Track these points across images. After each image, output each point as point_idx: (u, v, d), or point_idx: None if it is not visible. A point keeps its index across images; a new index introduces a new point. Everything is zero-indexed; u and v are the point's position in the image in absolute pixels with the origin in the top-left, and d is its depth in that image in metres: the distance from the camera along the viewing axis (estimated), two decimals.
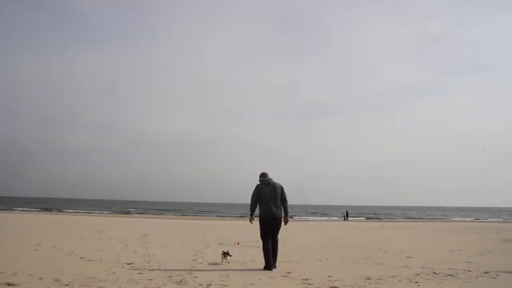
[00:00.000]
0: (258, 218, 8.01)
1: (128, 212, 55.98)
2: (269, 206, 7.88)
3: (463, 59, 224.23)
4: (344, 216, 44.53)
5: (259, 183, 8.11)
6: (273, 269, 7.89)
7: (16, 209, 50.50)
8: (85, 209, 59.41)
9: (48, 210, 53.92)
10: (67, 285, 6.30)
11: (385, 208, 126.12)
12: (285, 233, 19.52)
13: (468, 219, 53.39)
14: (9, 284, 6.21)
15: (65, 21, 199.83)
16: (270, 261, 7.89)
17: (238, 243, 12.93)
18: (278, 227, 8.04)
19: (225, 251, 8.81)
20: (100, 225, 22.47)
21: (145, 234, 16.26)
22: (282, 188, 8.10)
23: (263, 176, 8.14)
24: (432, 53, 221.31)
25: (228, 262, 8.66)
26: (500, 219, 51.75)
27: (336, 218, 49.88)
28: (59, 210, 54.13)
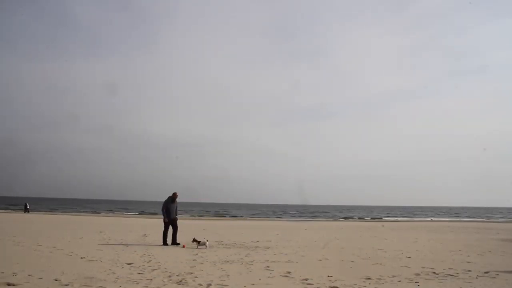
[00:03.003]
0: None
1: (144, 212, 55.82)
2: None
3: (463, 60, 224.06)
4: (24, 209, 40.62)
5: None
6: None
7: (15, 209, 50.40)
8: (85, 209, 59.40)
9: (48, 210, 53.85)
10: (67, 285, 6.30)
11: (384, 208, 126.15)
12: (285, 233, 19.60)
13: (468, 219, 53.40)
14: (9, 284, 6.21)
15: (68, 27, 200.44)
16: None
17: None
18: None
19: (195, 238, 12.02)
20: (100, 225, 22.47)
21: (145, 234, 16.26)
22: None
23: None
24: (432, 54, 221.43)
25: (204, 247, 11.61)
26: (500, 219, 51.75)
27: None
28: (59, 211, 54.08)
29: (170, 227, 12.73)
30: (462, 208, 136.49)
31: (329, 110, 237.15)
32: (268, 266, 8.52)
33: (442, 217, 58.68)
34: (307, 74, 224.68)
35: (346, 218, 53.74)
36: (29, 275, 6.90)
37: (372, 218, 53.03)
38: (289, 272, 7.80)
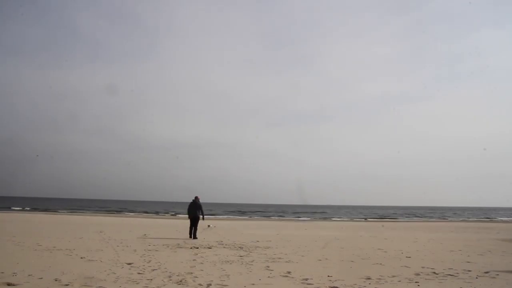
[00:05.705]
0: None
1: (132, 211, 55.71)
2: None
3: (463, 61, 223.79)
4: None
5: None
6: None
7: (15, 209, 50.41)
8: (85, 209, 59.36)
9: (47, 210, 53.84)
10: (67, 285, 6.30)
11: (384, 208, 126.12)
12: (285, 233, 19.61)
13: (467, 219, 53.37)
14: (9, 284, 6.21)
15: (70, 33, 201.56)
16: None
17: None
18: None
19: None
20: (100, 225, 22.46)
21: (145, 234, 16.26)
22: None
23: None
24: (432, 56, 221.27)
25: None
26: (500, 219, 51.74)
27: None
28: (58, 210, 54.06)
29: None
30: (462, 208, 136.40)
31: (328, 112, 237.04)
32: (268, 266, 8.53)
33: (442, 217, 58.60)
34: (306, 78, 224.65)
35: (346, 218, 53.74)
36: (29, 275, 6.90)
37: (372, 218, 53.02)
38: (289, 272, 7.80)
